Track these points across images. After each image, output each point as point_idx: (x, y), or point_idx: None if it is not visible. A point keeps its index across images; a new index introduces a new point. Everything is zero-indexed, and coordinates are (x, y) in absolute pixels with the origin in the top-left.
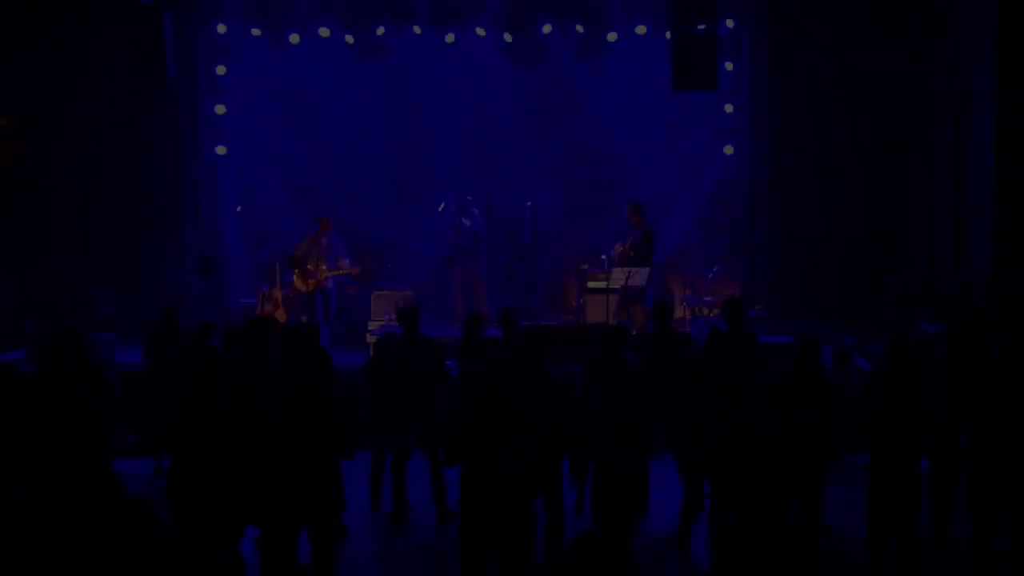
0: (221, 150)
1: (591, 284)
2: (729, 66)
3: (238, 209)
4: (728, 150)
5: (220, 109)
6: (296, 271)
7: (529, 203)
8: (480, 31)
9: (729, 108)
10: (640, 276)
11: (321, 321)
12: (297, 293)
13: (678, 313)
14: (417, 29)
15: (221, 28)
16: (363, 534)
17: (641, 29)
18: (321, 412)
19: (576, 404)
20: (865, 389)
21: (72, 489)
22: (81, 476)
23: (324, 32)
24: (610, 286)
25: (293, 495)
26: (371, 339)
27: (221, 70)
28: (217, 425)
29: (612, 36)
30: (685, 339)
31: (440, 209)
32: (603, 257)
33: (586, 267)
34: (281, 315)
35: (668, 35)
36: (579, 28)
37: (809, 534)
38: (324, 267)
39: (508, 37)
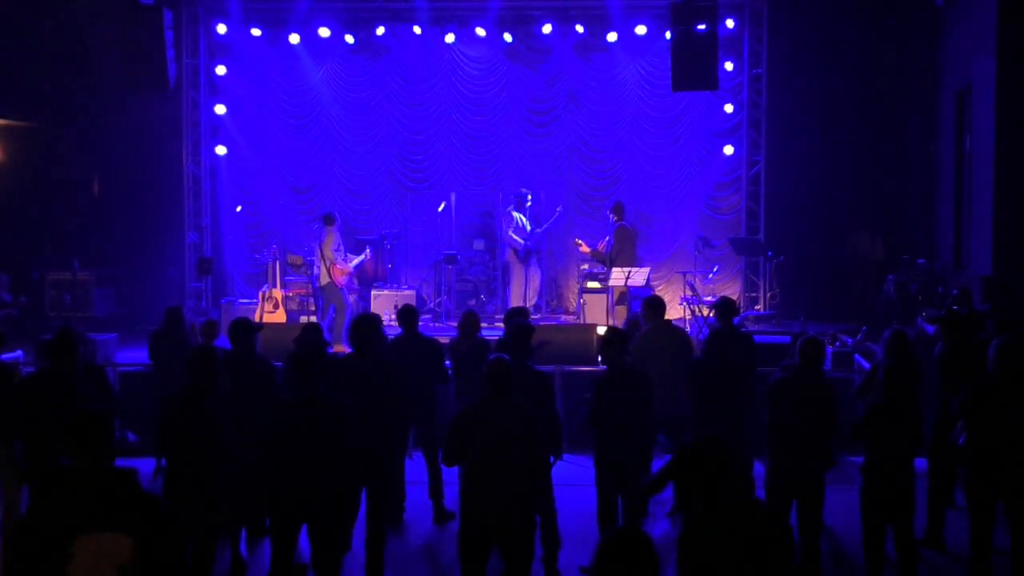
0: (221, 150)
1: (591, 284)
2: (729, 66)
3: (238, 209)
4: (728, 150)
5: (220, 109)
6: (333, 266)
7: (529, 203)
8: (480, 31)
9: (729, 108)
10: (640, 276)
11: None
12: (332, 288)
13: (678, 313)
14: (417, 29)
15: (221, 28)
16: (362, 534)
17: (641, 29)
18: (328, 411)
19: (555, 402)
20: (862, 384)
21: (93, 483)
22: (101, 471)
23: (324, 32)
24: (610, 286)
25: (294, 494)
26: None
27: (221, 70)
28: (213, 424)
29: (612, 36)
30: (683, 335)
31: (440, 209)
32: None
33: (586, 267)
34: (280, 315)
35: (668, 35)
36: (579, 28)
37: (810, 534)
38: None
39: (508, 37)
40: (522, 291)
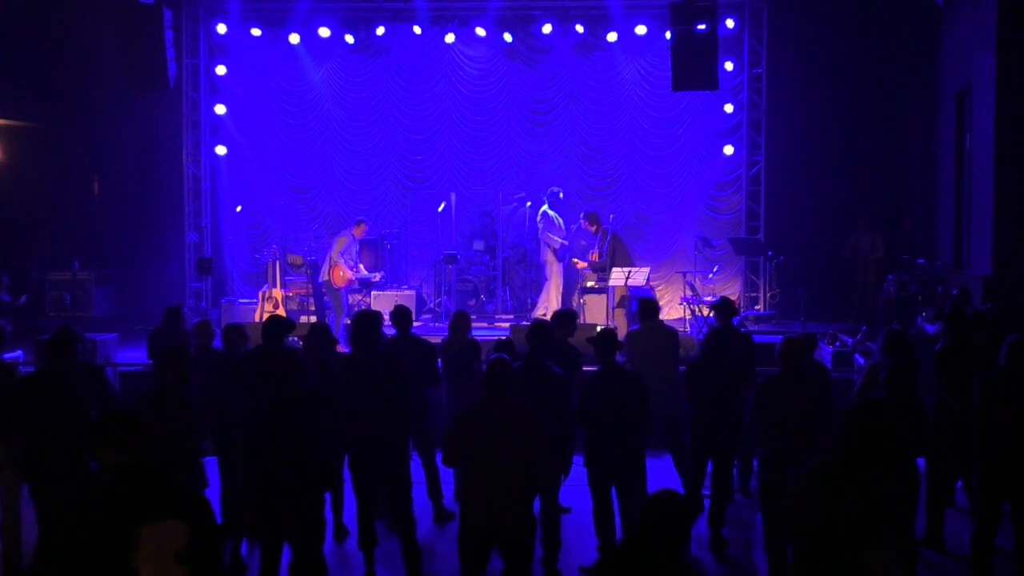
0: (221, 150)
1: (590, 284)
2: (729, 66)
3: (238, 209)
4: (728, 150)
5: (220, 109)
6: (335, 267)
7: (529, 203)
8: (480, 31)
9: (729, 108)
10: (640, 276)
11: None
12: (330, 287)
13: (678, 313)
14: (417, 29)
15: (221, 28)
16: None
17: (641, 29)
18: (314, 409)
19: (570, 399)
20: (862, 386)
21: (150, 476)
22: (151, 465)
23: (324, 32)
24: (610, 285)
25: (284, 494)
26: None
27: (221, 70)
28: (186, 420)
29: (612, 36)
30: (672, 333)
31: (440, 209)
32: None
33: (586, 267)
34: (280, 315)
35: (668, 35)
36: (579, 28)
37: None
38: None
39: (508, 37)
40: (560, 292)
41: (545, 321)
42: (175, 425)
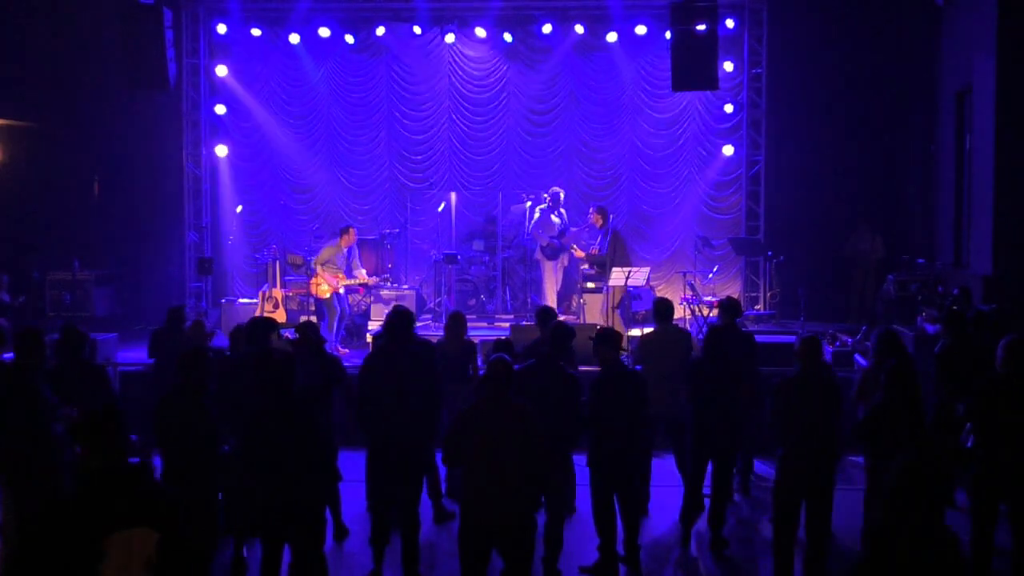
0: (221, 150)
1: (590, 284)
2: (729, 66)
3: (238, 209)
4: (728, 150)
5: (220, 109)
6: (314, 278)
7: (529, 202)
8: (480, 31)
9: (729, 108)
10: (640, 275)
11: (325, 327)
12: (311, 295)
13: (678, 313)
14: (417, 29)
15: (221, 28)
16: (363, 533)
17: (641, 29)
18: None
19: (581, 402)
20: (859, 386)
21: (119, 481)
22: (122, 468)
23: (324, 32)
24: (610, 285)
25: (283, 493)
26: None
27: (221, 70)
28: (208, 423)
29: (612, 36)
30: (686, 336)
31: (440, 209)
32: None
33: (586, 267)
34: (281, 315)
35: (668, 35)
36: (579, 28)
37: (820, 534)
38: (342, 275)
39: (508, 37)
40: (555, 290)
41: (565, 323)
42: (198, 429)
